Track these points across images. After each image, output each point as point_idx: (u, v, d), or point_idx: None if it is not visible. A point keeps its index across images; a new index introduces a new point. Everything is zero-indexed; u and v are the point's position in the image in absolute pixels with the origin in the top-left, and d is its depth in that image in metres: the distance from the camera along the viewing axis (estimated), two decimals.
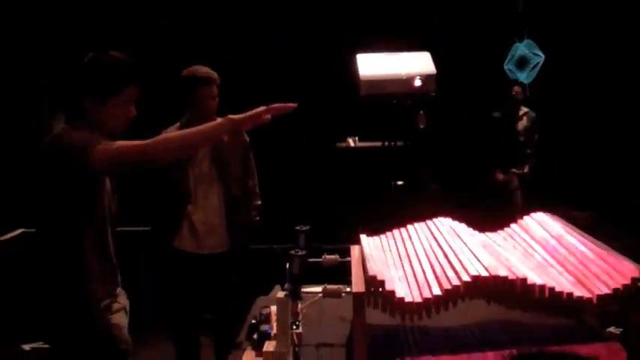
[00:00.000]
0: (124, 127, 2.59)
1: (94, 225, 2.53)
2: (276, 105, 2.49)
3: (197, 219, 3.95)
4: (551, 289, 2.20)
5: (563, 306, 2.24)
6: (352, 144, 6.60)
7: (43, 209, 2.53)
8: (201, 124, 3.85)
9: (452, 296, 2.20)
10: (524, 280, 2.22)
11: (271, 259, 4.16)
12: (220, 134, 2.57)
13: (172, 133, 2.50)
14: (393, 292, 2.18)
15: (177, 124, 3.98)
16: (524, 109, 6.89)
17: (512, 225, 2.90)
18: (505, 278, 2.22)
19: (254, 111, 2.48)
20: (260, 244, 4.41)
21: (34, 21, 6.58)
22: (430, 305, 2.19)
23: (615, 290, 2.21)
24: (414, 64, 4.19)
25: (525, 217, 2.92)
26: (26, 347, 4.99)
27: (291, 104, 2.50)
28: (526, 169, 6.80)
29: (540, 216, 2.91)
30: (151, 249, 4.13)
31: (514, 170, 6.76)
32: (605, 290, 2.23)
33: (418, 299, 2.19)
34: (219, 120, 2.54)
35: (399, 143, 4.48)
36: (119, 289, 2.66)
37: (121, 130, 2.58)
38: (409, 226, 2.88)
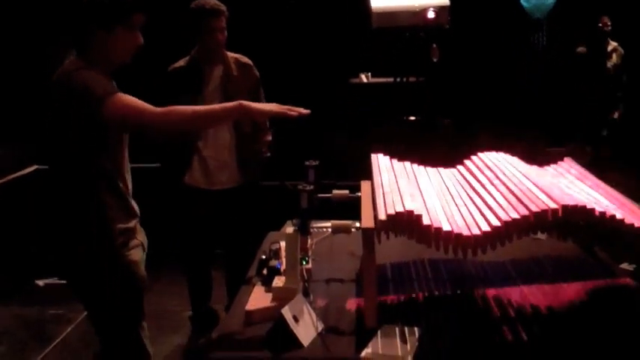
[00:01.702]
0: (131, 54, 2.53)
1: (109, 159, 2.50)
2: (290, 111, 2.46)
3: (207, 155, 3.92)
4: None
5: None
6: (365, 80, 6.52)
7: (56, 144, 2.49)
8: (210, 59, 3.85)
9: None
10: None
11: (282, 195, 4.14)
12: (230, 119, 2.64)
13: (184, 107, 2.46)
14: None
15: (187, 57, 3.91)
16: (612, 44, 6.02)
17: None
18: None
19: (270, 108, 2.48)
20: (271, 180, 4.39)
21: None
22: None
23: None
24: None
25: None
26: (40, 283, 5.06)
27: (305, 111, 2.49)
28: (616, 115, 6.03)
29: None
30: (162, 185, 4.12)
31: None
32: None
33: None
34: (231, 104, 2.48)
35: (412, 79, 4.40)
36: (138, 226, 2.65)
37: (128, 59, 2.52)
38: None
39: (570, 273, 2.58)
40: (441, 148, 2.89)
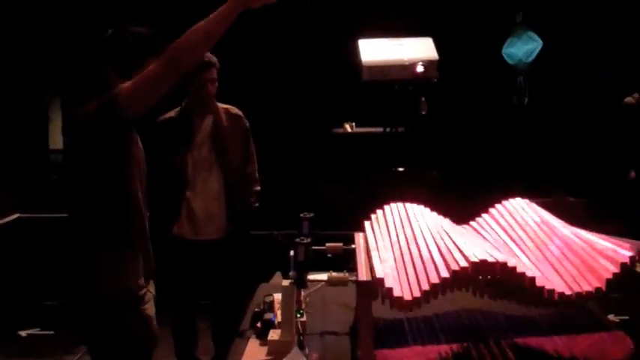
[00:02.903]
0: None
1: (133, 206, 2.51)
2: None
3: (196, 205, 3.93)
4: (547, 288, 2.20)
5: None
6: (349, 129, 6.57)
7: (87, 186, 2.48)
8: (201, 110, 3.89)
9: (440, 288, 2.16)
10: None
11: (272, 246, 4.13)
12: (232, 15, 2.33)
13: (180, 38, 2.35)
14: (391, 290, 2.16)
15: (177, 108, 3.95)
16: None
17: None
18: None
19: None
20: (259, 230, 4.39)
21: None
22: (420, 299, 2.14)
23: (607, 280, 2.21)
24: (416, 50, 4.16)
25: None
26: (23, 333, 4.98)
27: None
28: None
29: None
30: (151, 235, 4.10)
31: None
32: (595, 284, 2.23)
33: (409, 296, 2.15)
34: (224, 5, 2.36)
35: (400, 129, 4.46)
36: (152, 279, 2.66)
37: None
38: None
39: (562, 325, 2.59)
40: (429, 199, 2.91)
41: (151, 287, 2.64)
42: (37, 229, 5.72)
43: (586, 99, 6.83)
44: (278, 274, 3.72)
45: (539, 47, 7.27)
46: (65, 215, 2.58)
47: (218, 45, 4.05)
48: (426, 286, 2.14)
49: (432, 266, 2.23)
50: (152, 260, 2.64)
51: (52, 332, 4.72)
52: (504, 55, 7.33)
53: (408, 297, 2.14)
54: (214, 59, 3.86)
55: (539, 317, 2.70)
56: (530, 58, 7.21)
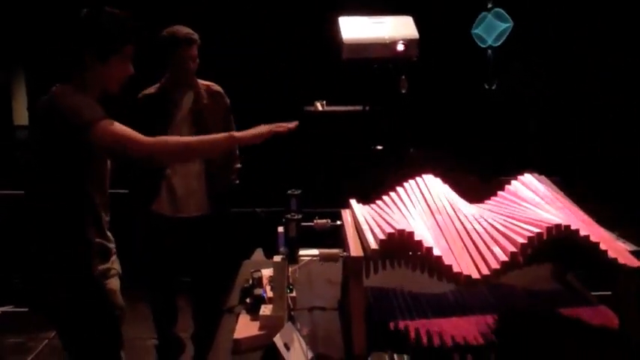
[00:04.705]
0: (120, 84, 2.57)
1: (93, 185, 2.50)
2: (278, 128, 2.57)
3: (176, 182, 3.90)
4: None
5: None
6: (320, 108, 6.55)
7: (41, 171, 2.49)
8: (181, 87, 3.86)
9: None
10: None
11: (252, 223, 4.13)
12: (222, 149, 2.71)
13: (174, 140, 2.61)
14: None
15: (157, 84, 3.91)
16: None
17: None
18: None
19: (257, 132, 2.55)
20: (240, 207, 4.38)
21: None
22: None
23: None
24: (397, 29, 4.17)
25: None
26: None
27: (292, 125, 2.60)
28: None
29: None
30: (130, 212, 4.08)
31: None
32: None
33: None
34: (223, 135, 2.59)
35: (378, 107, 4.48)
36: (114, 256, 2.65)
37: (117, 88, 2.55)
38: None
39: (547, 300, 2.66)
40: (407, 176, 2.93)
41: (115, 263, 2.65)
42: (3, 206, 5.65)
43: (580, 95, 6.88)
44: (259, 251, 3.74)
45: (510, 28, 7.29)
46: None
47: (197, 21, 4.05)
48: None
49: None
50: (111, 244, 2.65)
51: (26, 309, 4.67)
52: (474, 37, 7.33)
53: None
54: (195, 35, 3.82)
55: (522, 292, 2.76)
56: (500, 41, 7.24)
